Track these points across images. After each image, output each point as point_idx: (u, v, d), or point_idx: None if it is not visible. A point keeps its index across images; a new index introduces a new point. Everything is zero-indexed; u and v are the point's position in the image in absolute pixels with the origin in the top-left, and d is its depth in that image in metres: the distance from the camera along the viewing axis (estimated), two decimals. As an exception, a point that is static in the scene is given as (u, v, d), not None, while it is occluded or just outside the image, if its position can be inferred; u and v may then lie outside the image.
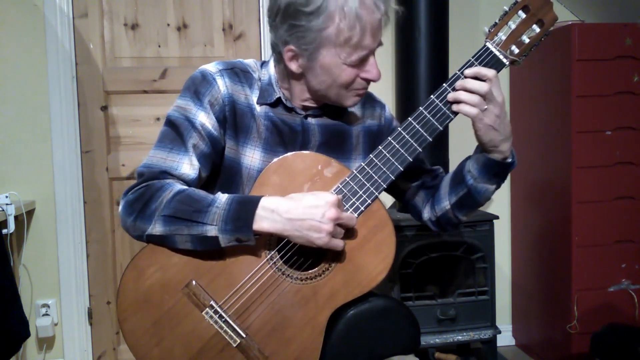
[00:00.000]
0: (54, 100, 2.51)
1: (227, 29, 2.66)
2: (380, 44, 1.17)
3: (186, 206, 1.10)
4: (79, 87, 2.57)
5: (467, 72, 1.15)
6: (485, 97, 1.13)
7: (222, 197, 1.12)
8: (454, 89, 1.16)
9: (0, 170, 2.49)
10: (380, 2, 1.12)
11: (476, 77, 1.14)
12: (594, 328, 2.21)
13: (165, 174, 1.16)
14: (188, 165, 1.18)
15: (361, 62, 1.16)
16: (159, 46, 2.62)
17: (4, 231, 2.25)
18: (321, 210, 1.08)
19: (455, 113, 1.16)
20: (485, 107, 1.14)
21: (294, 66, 1.18)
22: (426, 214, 1.38)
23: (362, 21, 1.10)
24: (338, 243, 1.11)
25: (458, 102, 1.15)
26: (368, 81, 1.20)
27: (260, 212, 1.09)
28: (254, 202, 1.10)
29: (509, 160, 1.22)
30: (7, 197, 2.33)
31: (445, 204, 1.31)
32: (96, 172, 2.61)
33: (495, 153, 1.20)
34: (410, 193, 1.41)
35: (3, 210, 2.27)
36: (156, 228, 1.12)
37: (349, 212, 1.15)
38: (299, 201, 1.10)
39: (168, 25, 2.62)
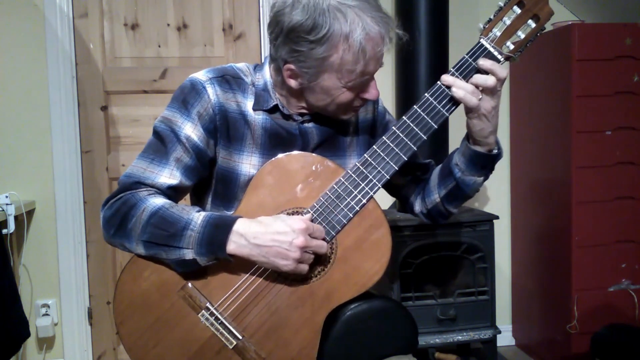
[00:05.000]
0: (54, 100, 2.51)
1: (227, 29, 2.66)
2: (381, 65, 1.15)
3: (161, 231, 1.10)
4: (79, 87, 2.57)
5: (482, 63, 1.12)
6: (491, 89, 1.12)
7: (197, 219, 1.12)
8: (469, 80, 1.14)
9: (0, 170, 2.49)
10: (386, 33, 1.10)
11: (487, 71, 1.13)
12: (594, 328, 2.20)
13: (139, 184, 1.16)
14: (167, 177, 1.17)
15: (362, 86, 1.16)
16: (159, 46, 2.62)
17: (4, 231, 2.25)
18: (289, 237, 1.08)
19: (450, 111, 1.16)
20: (480, 97, 1.13)
21: (292, 83, 1.17)
22: (417, 206, 1.39)
23: (366, 55, 1.09)
24: (304, 268, 1.12)
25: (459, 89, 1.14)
26: (366, 100, 1.20)
27: (230, 235, 1.09)
28: (227, 225, 1.10)
29: (495, 151, 1.22)
30: (7, 197, 2.33)
31: (435, 197, 1.31)
32: (96, 172, 2.61)
33: (482, 145, 1.20)
34: (403, 187, 1.42)
35: (3, 210, 2.27)
36: (139, 250, 1.13)
37: (344, 211, 1.15)
38: (268, 227, 1.09)
39: (168, 25, 2.62)
